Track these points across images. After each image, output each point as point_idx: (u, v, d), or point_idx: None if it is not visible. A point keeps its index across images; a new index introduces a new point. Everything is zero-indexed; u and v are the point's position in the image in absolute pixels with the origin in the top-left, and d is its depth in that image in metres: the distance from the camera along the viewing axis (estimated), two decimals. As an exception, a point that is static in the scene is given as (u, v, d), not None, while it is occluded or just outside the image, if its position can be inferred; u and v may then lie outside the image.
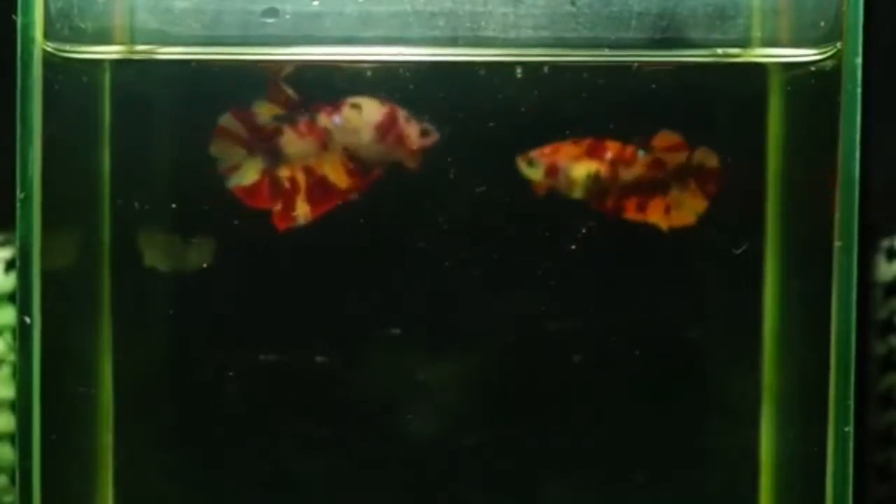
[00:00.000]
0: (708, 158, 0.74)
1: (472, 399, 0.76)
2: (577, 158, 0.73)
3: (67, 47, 0.72)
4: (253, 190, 0.74)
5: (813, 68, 0.71)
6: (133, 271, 0.75)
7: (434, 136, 0.73)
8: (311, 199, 0.73)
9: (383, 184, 0.74)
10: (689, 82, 0.74)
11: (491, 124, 0.74)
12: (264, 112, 0.73)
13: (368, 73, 0.73)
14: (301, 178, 0.73)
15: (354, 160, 0.73)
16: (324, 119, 0.73)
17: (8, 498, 0.80)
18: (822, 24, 0.71)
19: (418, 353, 0.75)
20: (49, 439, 0.71)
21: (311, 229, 0.74)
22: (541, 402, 0.76)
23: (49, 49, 0.70)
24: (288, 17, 0.73)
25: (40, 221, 0.70)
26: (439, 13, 0.73)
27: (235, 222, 0.74)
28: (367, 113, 0.73)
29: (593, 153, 0.73)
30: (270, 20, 0.73)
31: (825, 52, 0.71)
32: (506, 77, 0.73)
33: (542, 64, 0.73)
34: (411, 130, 0.73)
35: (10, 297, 0.79)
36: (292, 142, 0.73)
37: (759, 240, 0.74)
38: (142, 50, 0.74)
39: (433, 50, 0.73)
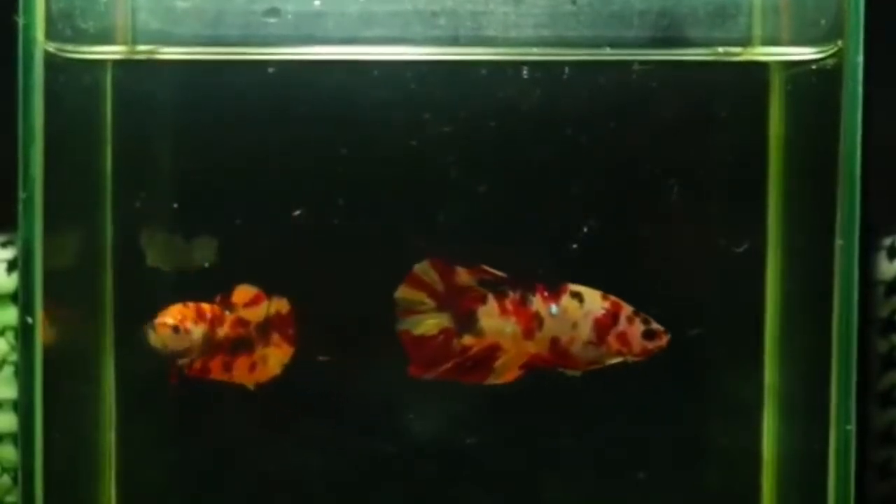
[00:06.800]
0: (281, 305, 0.72)
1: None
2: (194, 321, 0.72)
3: (69, 47, 0.72)
4: (420, 341, 0.70)
5: (814, 67, 0.71)
6: (135, 271, 0.75)
7: (663, 340, 0.69)
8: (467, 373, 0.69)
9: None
10: (689, 81, 0.74)
11: (492, 123, 0.74)
12: (465, 276, 0.69)
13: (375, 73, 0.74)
14: (480, 352, 0.69)
15: (560, 354, 0.69)
16: (538, 302, 0.69)
17: (10, 498, 0.80)
18: (823, 22, 0.71)
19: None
20: (51, 439, 0.71)
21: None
22: (544, 400, 0.76)
23: (50, 49, 0.70)
24: (289, 16, 0.73)
25: (42, 222, 0.70)
26: (440, 12, 0.73)
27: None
28: (588, 304, 0.69)
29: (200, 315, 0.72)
30: (272, 20, 0.73)
31: (826, 51, 0.71)
32: (507, 76, 0.74)
33: (543, 63, 0.73)
34: (634, 330, 0.69)
35: (13, 298, 0.79)
36: (491, 314, 0.69)
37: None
38: (143, 50, 0.74)
39: (434, 49, 0.73)
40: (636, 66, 0.73)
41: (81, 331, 0.75)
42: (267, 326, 0.73)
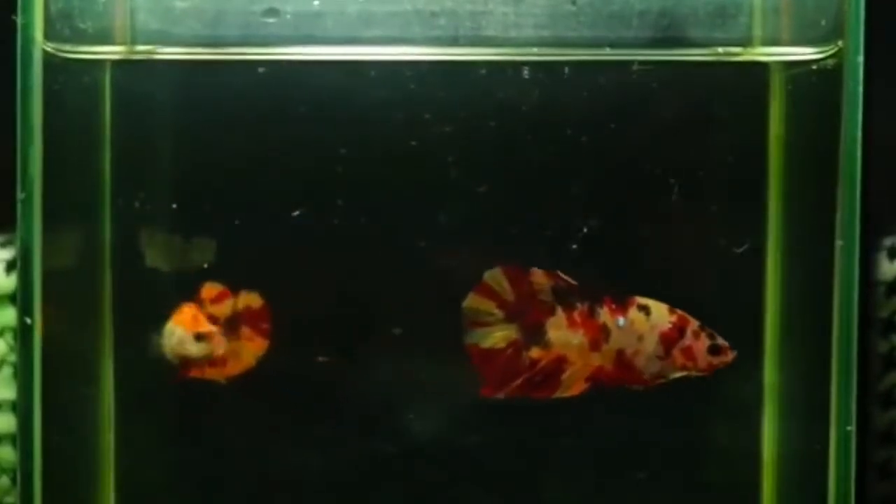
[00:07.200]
0: (252, 300, 0.73)
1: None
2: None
3: (68, 47, 0.72)
4: (489, 356, 0.69)
5: (814, 67, 0.71)
6: (134, 271, 0.75)
7: (728, 356, 0.69)
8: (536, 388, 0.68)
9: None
10: (689, 81, 0.74)
11: (492, 123, 0.74)
12: (541, 281, 0.68)
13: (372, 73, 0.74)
14: (548, 365, 0.68)
15: (626, 367, 0.68)
16: (605, 314, 0.68)
17: (9, 499, 0.80)
18: (823, 22, 0.71)
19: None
20: (50, 440, 0.71)
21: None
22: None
23: (49, 49, 0.70)
24: (288, 17, 0.73)
25: (41, 222, 0.70)
26: (440, 13, 0.73)
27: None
28: (655, 317, 0.68)
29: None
30: (271, 20, 0.73)
31: (826, 51, 0.71)
32: (507, 76, 0.74)
33: (542, 63, 0.73)
34: (700, 345, 0.69)
35: (11, 298, 0.78)
36: (559, 326, 0.68)
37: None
38: (142, 50, 0.74)
39: (434, 49, 0.73)
40: (636, 67, 0.73)
41: (80, 331, 0.75)
42: (236, 321, 0.73)
